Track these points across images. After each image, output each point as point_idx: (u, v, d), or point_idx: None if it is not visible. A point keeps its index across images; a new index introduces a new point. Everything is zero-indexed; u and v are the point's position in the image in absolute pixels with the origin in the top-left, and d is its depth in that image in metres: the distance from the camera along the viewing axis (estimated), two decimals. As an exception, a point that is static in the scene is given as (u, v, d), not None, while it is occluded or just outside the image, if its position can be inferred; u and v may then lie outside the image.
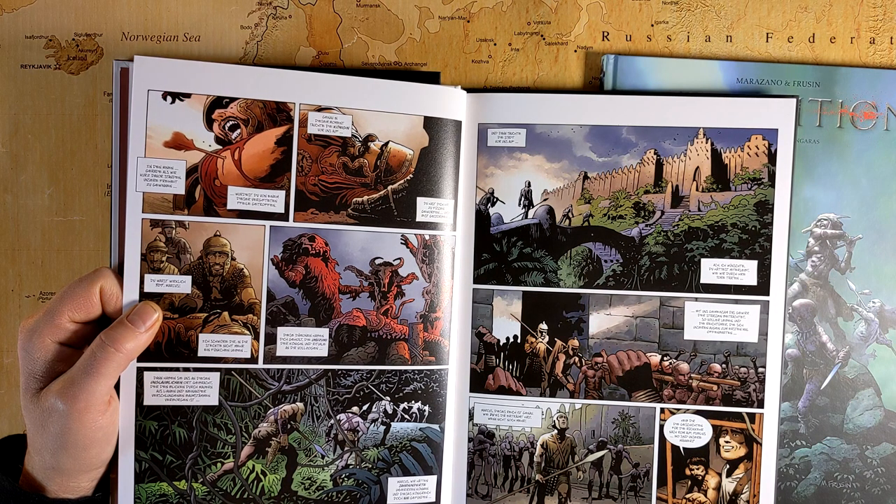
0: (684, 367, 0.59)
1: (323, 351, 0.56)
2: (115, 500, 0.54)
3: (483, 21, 0.62)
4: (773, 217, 0.58)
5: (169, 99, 0.54)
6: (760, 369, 0.59)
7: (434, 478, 0.58)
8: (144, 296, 0.53)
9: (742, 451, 0.59)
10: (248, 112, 0.55)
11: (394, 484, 0.58)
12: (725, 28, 0.62)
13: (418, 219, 0.57)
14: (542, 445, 0.60)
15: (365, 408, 0.57)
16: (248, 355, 0.55)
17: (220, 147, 0.55)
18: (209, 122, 0.54)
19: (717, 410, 0.59)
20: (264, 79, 0.55)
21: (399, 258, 0.57)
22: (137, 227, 0.53)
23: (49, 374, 0.49)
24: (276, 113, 0.55)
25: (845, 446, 0.61)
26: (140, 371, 0.53)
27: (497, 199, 0.59)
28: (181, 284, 0.54)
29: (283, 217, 0.56)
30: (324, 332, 0.56)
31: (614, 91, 0.60)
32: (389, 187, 0.57)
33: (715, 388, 0.59)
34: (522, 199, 0.60)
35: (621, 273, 0.59)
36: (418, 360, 0.58)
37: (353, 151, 0.57)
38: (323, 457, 0.57)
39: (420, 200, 0.57)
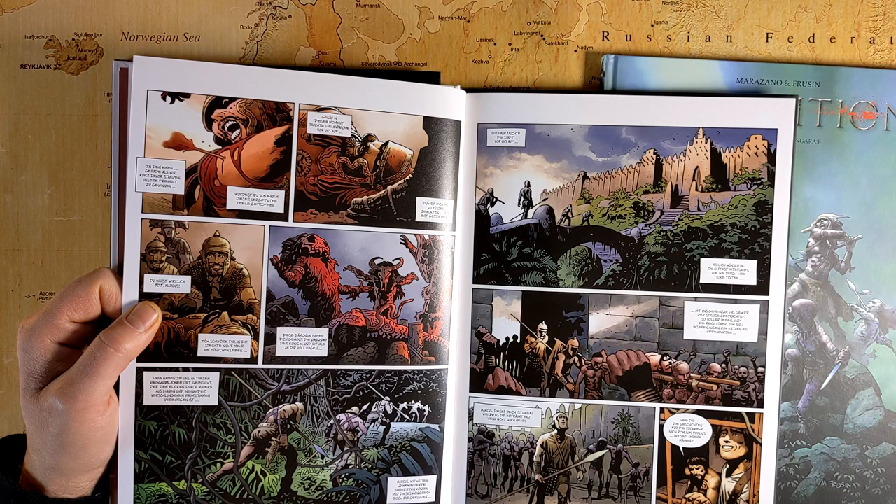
0: (684, 366, 0.59)
1: (322, 351, 0.56)
2: (114, 500, 0.54)
3: (483, 21, 0.62)
4: (772, 217, 0.58)
5: (168, 99, 0.54)
6: (760, 369, 0.58)
7: (434, 478, 0.58)
8: (144, 296, 0.53)
9: (742, 451, 0.59)
10: (247, 112, 0.55)
11: (393, 484, 0.58)
12: (725, 28, 0.62)
13: (418, 219, 0.57)
14: (541, 445, 0.60)
15: (364, 408, 0.57)
16: (248, 355, 0.55)
17: (219, 147, 0.55)
18: (208, 122, 0.54)
19: (716, 410, 0.59)
20: (264, 79, 0.55)
21: (399, 258, 0.57)
22: (137, 227, 0.53)
23: (48, 374, 0.49)
24: (276, 113, 0.55)
25: (845, 446, 0.61)
26: (140, 371, 0.53)
27: (496, 199, 0.59)
28: (181, 284, 0.54)
29: (283, 217, 0.56)
30: (323, 332, 0.56)
31: (614, 91, 0.60)
32: (389, 187, 0.57)
33: (715, 387, 0.59)
34: (522, 198, 0.59)
35: (621, 273, 0.59)
36: (418, 360, 0.58)
37: (352, 151, 0.57)
38: (322, 457, 0.57)
39: (419, 200, 0.57)
